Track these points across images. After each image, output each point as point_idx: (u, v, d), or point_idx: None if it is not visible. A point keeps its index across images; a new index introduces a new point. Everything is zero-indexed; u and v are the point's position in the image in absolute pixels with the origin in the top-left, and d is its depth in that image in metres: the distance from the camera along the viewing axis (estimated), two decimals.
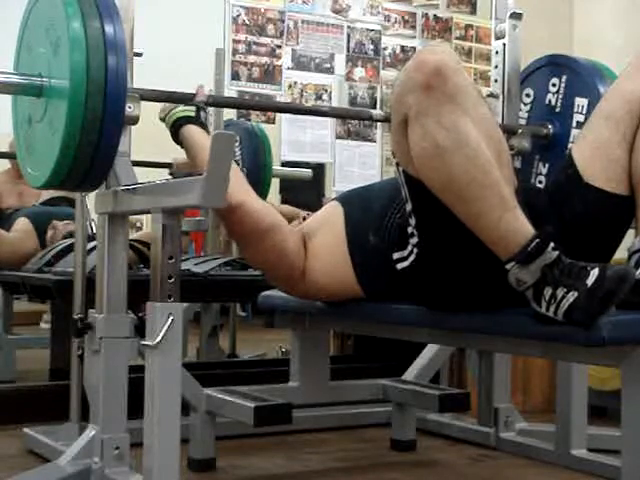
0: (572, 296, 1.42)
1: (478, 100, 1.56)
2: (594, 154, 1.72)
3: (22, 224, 3.45)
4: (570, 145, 2.21)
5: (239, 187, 1.82)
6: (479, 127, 1.52)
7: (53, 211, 3.55)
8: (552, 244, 1.47)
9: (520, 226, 1.50)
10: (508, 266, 1.50)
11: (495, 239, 1.51)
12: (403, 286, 1.76)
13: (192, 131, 2.00)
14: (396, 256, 1.75)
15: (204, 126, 2.03)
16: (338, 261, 1.88)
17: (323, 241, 1.92)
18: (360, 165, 4.35)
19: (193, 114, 2.02)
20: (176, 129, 2.02)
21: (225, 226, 1.99)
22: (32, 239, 3.38)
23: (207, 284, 2.76)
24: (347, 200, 1.99)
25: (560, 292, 1.44)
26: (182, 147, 2.04)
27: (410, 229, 1.68)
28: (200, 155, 1.95)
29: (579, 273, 1.43)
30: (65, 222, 3.32)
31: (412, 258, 1.70)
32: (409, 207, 1.66)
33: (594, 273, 1.42)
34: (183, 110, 2.02)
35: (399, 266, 1.74)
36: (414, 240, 1.68)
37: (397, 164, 1.66)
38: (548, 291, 1.46)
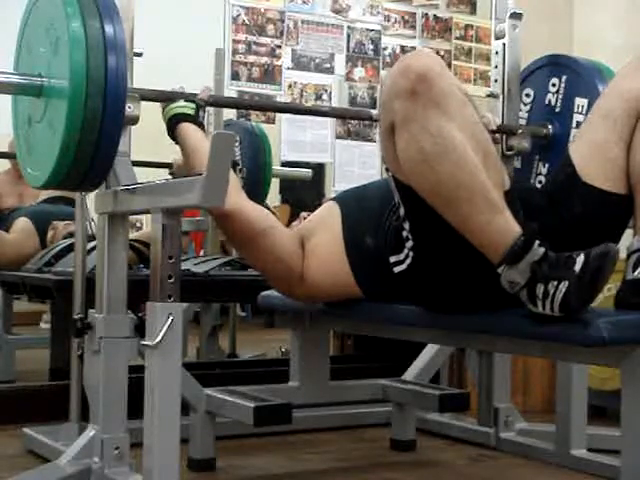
0: (563, 286, 1.43)
1: (464, 103, 1.56)
2: (592, 153, 1.72)
3: (23, 225, 3.45)
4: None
5: (232, 192, 1.80)
6: (465, 131, 1.52)
7: (53, 211, 3.55)
8: (537, 241, 1.48)
9: (509, 228, 1.50)
10: (499, 270, 1.50)
11: (485, 242, 1.52)
12: (401, 289, 1.76)
13: (189, 131, 1.98)
14: (393, 259, 1.75)
15: (202, 126, 2.01)
16: (336, 262, 1.89)
17: (321, 242, 1.92)
18: (360, 165, 4.35)
19: (192, 112, 2.00)
20: (173, 124, 2.00)
21: (221, 230, 2.00)
22: (33, 240, 3.38)
23: (207, 284, 2.76)
24: (344, 200, 1.99)
25: (552, 286, 1.44)
26: (176, 143, 2.03)
27: (405, 233, 1.68)
28: (194, 156, 1.95)
29: (566, 263, 1.44)
30: (66, 222, 3.32)
31: (408, 262, 1.70)
32: (402, 211, 1.67)
33: (580, 259, 1.43)
34: (183, 106, 2.00)
35: (396, 269, 1.74)
36: (409, 244, 1.68)
37: (387, 169, 1.67)
38: (540, 288, 1.46)
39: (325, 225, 1.95)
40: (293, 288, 1.95)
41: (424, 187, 1.55)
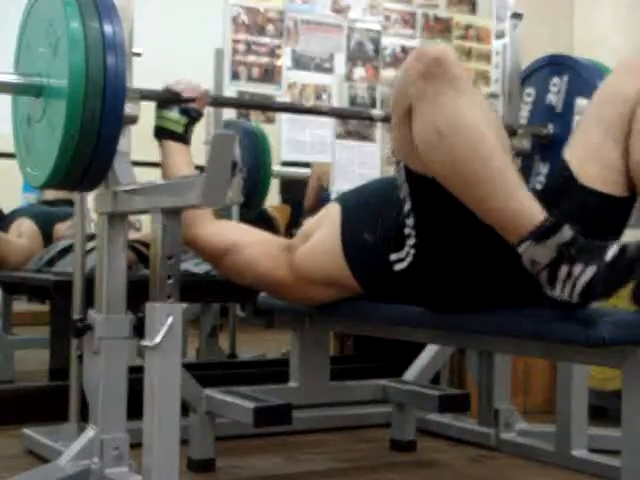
0: (590, 271, 1.40)
1: (477, 91, 1.58)
2: (589, 158, 1.70)
3: (27, 227, 3.43)
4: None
5: (189, 224, 1.90)
6: (480, 112, 1.53)
7: (54, 212, 3.54)
8: (568, 224, 1.46)
9: (531, 205, 1.48)
10: (522, 247, 1.47)
11: (505, 220, 1.49)
12: (401, 287, 1.75)
13: (172, 151, 2.00)
14: (393, 257, 1.75)
15: (188, 142, 2.02)
16: (333, 260, 1.89)
17: (319, 241, 1.93)
18: (360, 165, 4.34)
19: (181, 130, 2.00)
20: (159, 136, 2.02)
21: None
22: (39, 242, 3.37)
23: (207, 284, 2.76)
24: (344, 199, 2.00)
25: (577, 269, 1.41)
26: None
27: (407, 230, 1.68)
28: (171, 174, 1.98)
29: (598, 250, 1.42)
30: (69, 224, 3.30)
31: (409, 260, 1.70)
32: (408, 206, 1.66)
33: (614, 249, 1.41)
34: (174, 121, 2.00)
35: (396, 267, 1.74)
36: (411, 241, 1.67)
37: (397, 162, 1.66)
38: (564, 270, 1.43)
39: (324, 224, 1.96)
40: (283, 293, 1.99)
41: (440, 169, 1.54)
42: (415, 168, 1.60)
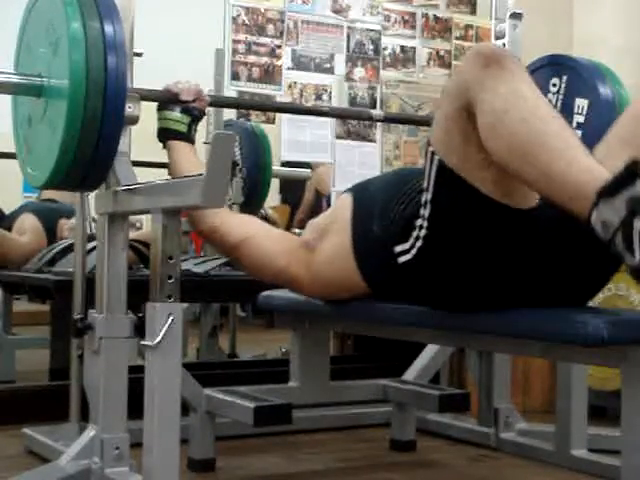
0: None
1: (535, 87, 1.56)
2: None
3: (30, 223, 3.43)
4: None
5: (208, 213, 1.92)
6: (537, 91, 1.52)
7: (57, 208, 3.55)
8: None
9: (596, 167, 1.42)
10: (594, 215, 1.39)
11: (572, 184, 1.42)
12: (405, 281, 1.75)
13: (178, 150, 2.01)
14: (398, 249, 1.74)
15: (193, 141, 2.03)
16: (343, 254, 1.88)
17: (330, 236, 1.92)
18: (360, 165, 4.34)
19: (185, 129, 2.02)
20: (163, 137, 2.03)
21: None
22: (42, 238, 3.37)
23: (207, 284, 2.76)
24: (356, 191, 1.98)
25: None
26: (164, 147, 2.06)
27: (419, 221, 1.65)
28: (179, 174, 1.97)
29: None
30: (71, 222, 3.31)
31: (414, 252, 1.68)
32: (427, 196, 1.63)
33: None
34: (176, 120, 2.01)
35: (401, 259, 1.73)
36: (421, 232, 1.65)
37: (431, 153, 1.63)
38: (638, 224, 1.34)
39: (336, 216, 1.95)
40: (298, 288, 1.99)
41: (499, 149, 1.50)
42: (451, 164, 1.58)
